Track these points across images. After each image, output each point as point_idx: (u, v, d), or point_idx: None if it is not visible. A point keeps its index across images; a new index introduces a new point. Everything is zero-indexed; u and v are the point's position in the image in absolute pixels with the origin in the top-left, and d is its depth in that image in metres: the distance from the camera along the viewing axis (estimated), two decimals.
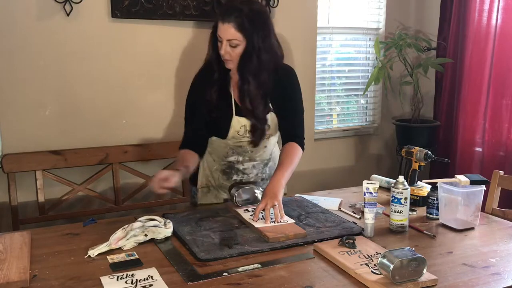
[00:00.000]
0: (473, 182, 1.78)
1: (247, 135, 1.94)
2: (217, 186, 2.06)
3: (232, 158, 2.01)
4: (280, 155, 1.97)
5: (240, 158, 2.01)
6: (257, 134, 1.93)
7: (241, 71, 1.85)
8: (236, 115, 1.92)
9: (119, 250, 1.54)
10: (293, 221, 1.76)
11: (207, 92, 1.91)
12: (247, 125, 1.92)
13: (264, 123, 1.93)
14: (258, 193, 1.92)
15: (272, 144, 2.08)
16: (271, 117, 1.96)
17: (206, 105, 1.92)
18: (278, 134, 2.07)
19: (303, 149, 2.00)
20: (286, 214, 1.79)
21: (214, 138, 2.00)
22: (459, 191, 1.77)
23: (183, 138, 2.01)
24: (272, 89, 1.91)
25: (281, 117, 1.99)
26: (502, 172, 2.22)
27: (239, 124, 1.92)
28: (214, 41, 1.86)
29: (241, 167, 2.02)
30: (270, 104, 1.95)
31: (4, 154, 2.54)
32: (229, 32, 1.78)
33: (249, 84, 1.85)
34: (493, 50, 3.14)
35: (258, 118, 1.90)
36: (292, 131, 2.00)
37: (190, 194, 2.18)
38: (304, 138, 2.02)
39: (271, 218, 1.74)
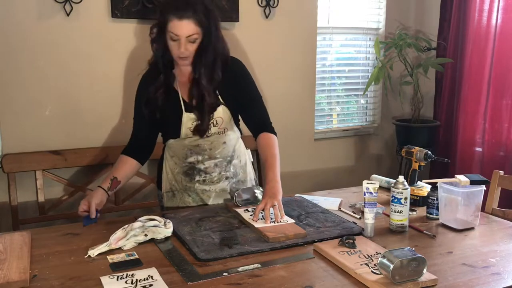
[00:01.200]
0: (473, 182, 1.78)
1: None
2: (182, 189, 2.05)
3: (191, 159, 2.00)
4: (260, 151, 1.97)
5: (200, 158, 1.99)
6: (203, 125, 1.92)
7: (196, 66, 1.86)
8: (186, 111, 1.92)
9: (119, 250, 1.55)
10: (293, 221, 1.76)
11: (153, 94, 1.91)
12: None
13: (210, 113, 1.92)
14: (258, 193, 1.93)
15: (233, 140, 2.05)
16: (223, 110, 1.95)
17: (153, 107, 1.92)
18: (237, 130, 2.06)
19: (275, 134, 2.01)
20: (286, 214, 1.79)
21: (171, 140, 2.00)
22: (459, 191, 1.77)
23: (128, 141, 2.05)
24: (223, 82, 1.92)
25: (242, 109, 2.00)
26: (502, 172, 2.22)
27: (190, 120, 1.92)
28: (160, 41, 1.85)
29: (202, 166, 2.00)
30: (220, 97, 1.94)
31: (4, 154, 2.54)
32: (189, 28, 1.77)
33: (205, 77, 1.86)
34: (493, 50, 3.14)
35: (207, 112, 1.90)
36: (258, 120, 2.01)
37: (158, 198, 2.19)
38: (271, 123, 2.03)
39: (271, 218, 1.74)
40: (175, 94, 1.94)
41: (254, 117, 2.02)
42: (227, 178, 2.05)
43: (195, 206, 2.03)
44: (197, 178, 2.02)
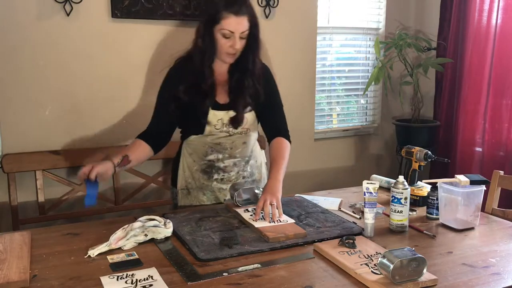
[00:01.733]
0: (473, 182, 1.78)
1: (224, 128, 1.94)
2: (198, 187, 2.05)
3: (211, 157, 2.00)
4: (270, 152, 1.99)
5: (220, 156, 2.00)
6: (237, 121, 1.95)
7: (243, 63, 1.90)
8: (212, 109, 1.92)
9: (119, 250, 1.55)
10: (293, 221, 1.76)
11: (185, 89, 1.91)
12: (224, 118, 1.93)
13: (245, 107, 1.95)
14: (258, 193, 1.92)
15: (252, 140, 2.08)
16: (250, 111, 1.98)
17: (183, 102, 1.92)
18: (257, 131, 2.08)
19: (290, 141, 2.05)
20: (286, 214, 1.79)
21: (192, 137, 2.00)
22: (459, 191, 1.77)
23: (146, 129, 2.02)
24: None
25: (263, 114, 2.02)
26: (502, 172, 2.22)
27: (216, 117, 1.93)
28: (208, 38, 1.86)
29: (221, 165, 2.01)
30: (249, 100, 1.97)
31: (4, 154, 2.54)
32: (244, 24, 1.81)
33: (249, 74, 1.91)
34: (493, 50, 3.14)
35: (242, 105, 1.94)
36: (277, 126, 2.05)
37: (171, 195, 2.18)
38: (288, 131, 2.07)
39: (270, 221, 1.73)
40: (207, 91, 1.93)
41: (273, 123, 2.05)
42: (243, 177, 2.07)
43: (209, 204, 2.04)
44: (215, 176, 2.02)
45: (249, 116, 1.98)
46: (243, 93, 1.93)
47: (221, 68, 1.96)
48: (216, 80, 1.95)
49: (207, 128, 1.94)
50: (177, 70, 1.99)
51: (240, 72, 1.93)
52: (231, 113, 1.94)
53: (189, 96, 1.90)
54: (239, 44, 1.84)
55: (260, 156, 2.17)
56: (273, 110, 2.04)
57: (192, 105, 1.92)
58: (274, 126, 2.05)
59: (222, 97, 1.96)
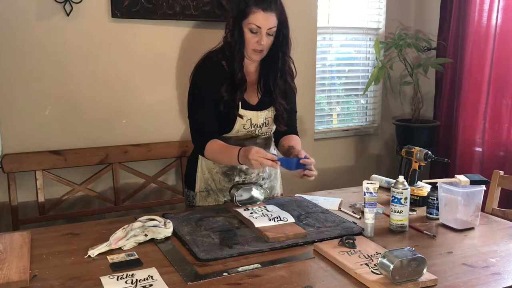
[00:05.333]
0: (473, 182, 1.78)
1: (252, 128, 1.93)
2: (218, 189, 2.03)
3: None
4: (285, 141, 2.00)
5: None
6: (281, 119, 1.96)
7: (272, 61, 1.89)
8: (242, 108, 1.91)
9: (119, 250, 1.54)
10: (293, 220, 1.75)
11: (221, 87, 1.86)
12: (253, 119, 1.92)
13: (284, 109, 1.96)
14: (258, 193, 1.92)
15: (271, 141, 2.09)
16: (271, 111, 1.97)
17: (219, 100, 1.87)
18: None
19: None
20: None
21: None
22: (459, 191, 1.77)
23: (202, 133, 1.91)
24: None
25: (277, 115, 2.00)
26: (502, 172, 2.22)
27: (246, 117, 1.91)
28: (237, 34, 1.83)
29: (243, 167, 1.99)
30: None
31: (4, 154, 2.54)
32: (272, 20, 1.80)
33: (280, 73, 1.90)
34: (493, 50, 3.14)
35: (281, 106, 1.94)
36: (291, 128, 2.06)
37: (186, 198, 2.13)
38: (298, 132, 2.12)
39: (271, 219, 1.73)
40: (237, 87, 1.88)
41: (289, 125, 2.05)
42: (263, 179, 2.07)
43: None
44: (237, 179, 2.01)
45: (272, 115, 1.97)
46: (275, 93, 1.92)
47: (250, 66, 1.95)
48: (246, 78, 1.92)
49: (236, 127, 1.91)
50: (210, 67, 1.91)
51: (270, 71, 1.92)
52: (260, 114, 1.93)
53: (225, 94, 1.87)
54: (266, 41, 1.82)
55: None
56: (290, 113, 2.03)
57: (224, 103, 1.87)
58: (289, 129, 2.05)
59: (252, 97, 1.94)
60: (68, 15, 2.58)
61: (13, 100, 2.54)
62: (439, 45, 3.54)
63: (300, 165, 1.77)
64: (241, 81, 1.88)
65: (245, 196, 1.91)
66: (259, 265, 1.45)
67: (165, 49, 2.85)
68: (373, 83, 3.47)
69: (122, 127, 2.80)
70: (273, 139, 2.10)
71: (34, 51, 2.55)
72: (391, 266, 1.29)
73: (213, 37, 3.08)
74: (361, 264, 1.42)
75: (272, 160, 1.70)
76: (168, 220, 1.69)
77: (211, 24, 2.89)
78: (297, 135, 2.10)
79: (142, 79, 2.82)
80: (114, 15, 2.66)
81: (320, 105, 3.61)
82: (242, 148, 1.76)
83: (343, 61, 3.74)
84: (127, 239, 1.56)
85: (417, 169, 2.04)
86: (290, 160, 1.78)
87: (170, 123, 2.93)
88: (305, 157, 1.77)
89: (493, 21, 3.12)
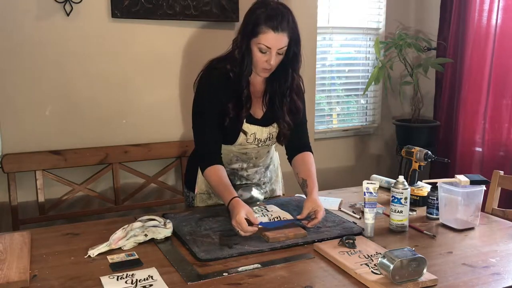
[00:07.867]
0: (473, 182, 1.78)
1: (255, 142, 1.91)
2: None
3: (236, 165, 1.97)
4: (300, 167, 1.94)
5: (245, 165, 1.97)
6: (282, 137, 1.91)
7: (281, 78, 1.83)
8: (247, 122, 1.86)
9: (119, 250, 1.54)
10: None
11: (228, 102, 1.81)
12: (257, 133, 1.88)
13: (289, 126, 1.90)
14: (258, 193, 1.92)
15: (273, 148, 2.08)
16: (276, 128, 1.93)
17: (225, 115, 1.82)
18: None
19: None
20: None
21: None
22: (459, 191, 1.77)
23: (205, 150, 1.87)
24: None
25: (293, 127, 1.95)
26: (502, 172, 2.22)
27: (250, 131, 1.88)
28: (246, 51, 1.75)
29: (244, 173, 1.99)
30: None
31: (4, 154, 2.54)
32: (282, 40, 1.72)
33: (288, 90, 1.84)
34: (493, 50, 3.14)
35: (285, 124, 1.88)
36: (300, 142, 1.99)
37: (186, 198, 2.11)
38: (310, 144, 2.04)
39: (271, 219, 1.73)
40: (243, 102, 1.83)
41: (297, 140, 1.98)
42: (264, 183, 2.06)
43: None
44: (238, 183, 1.99)
45: (276, 129, 1.92)
46: (282, 110, 1.86)
47: (255, 79, 1.88)
48: (251, 92, 1.87)
49: (239, 140, 1.88)
50: (216, 81, 1.84)
51: (278, 86, 1.85)
52: (264, 129, 1.88)
53: (231, 109, 1.81)
54: (275, 61, 1.75)
55: (276, 159, 2.15)
56: (300, 125, 1.97)
57: (229, 117, 1.83)
58: (298, 143, 1.99)
59: (257, 110, 1.89)
60: (68, 15, 2.58)
61: (13, 100, 2.54)
62: (439, 45, 3.54)
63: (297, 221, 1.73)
64: (247, 98, 1.84)
65: (245, 196, 1.91)
66: (259, 265, 1.45)
67: (165, 49, 2.85)
68: (373, 83, 3.47)
69: (122, 127, 2.81)
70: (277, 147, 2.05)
71: (34, 51, 2.55)
72: (391, 266, 1.29)
73: (213, 37, 3.09)
74: (361, 264, 1.42)
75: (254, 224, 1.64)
76: (168, 220, 1.69)
77: (211, 24, 2.89)
78: (310, 148, 2.02)
79: (142, 79, 2.82)
80: (114, 15, 2.66)
81: (320, 105, 3.61)
82: (233, 202, 1.69)
83: (343, 61, 3.74)
84: (127, 239, 1.56)
85: (417, 169, 2.04)
86: (280, 222, 1.71)
87: (170, 123, 2.93)
88: (310, 215, 1.72)
89: (493, 21, 3.12)
